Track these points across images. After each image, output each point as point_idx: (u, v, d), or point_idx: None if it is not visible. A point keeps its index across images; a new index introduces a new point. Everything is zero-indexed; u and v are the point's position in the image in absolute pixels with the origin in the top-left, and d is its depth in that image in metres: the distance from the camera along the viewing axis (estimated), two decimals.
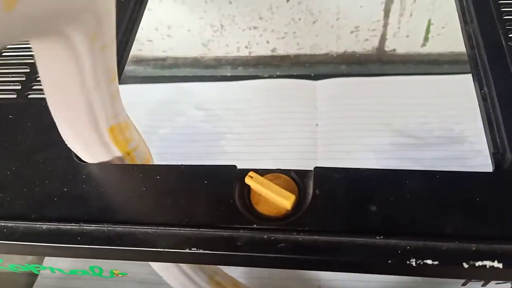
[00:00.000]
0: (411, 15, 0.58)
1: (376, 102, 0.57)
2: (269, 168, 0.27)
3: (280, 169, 0.27)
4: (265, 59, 0.64)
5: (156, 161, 0.55)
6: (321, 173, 0.26)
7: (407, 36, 0.60)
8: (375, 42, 0.61)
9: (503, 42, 0.29)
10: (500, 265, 0.21)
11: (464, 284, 0.24)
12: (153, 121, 0.58)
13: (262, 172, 0.27)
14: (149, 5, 0.61)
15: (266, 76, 0.62)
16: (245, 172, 0.26)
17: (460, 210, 0.23)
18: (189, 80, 0.62)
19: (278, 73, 0.62)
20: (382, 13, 0.58)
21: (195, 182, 0.26)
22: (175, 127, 0.58)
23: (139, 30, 0.64)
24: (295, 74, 0.62)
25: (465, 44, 0.31)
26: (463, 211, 0.23)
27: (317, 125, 0.56)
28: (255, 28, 0.61)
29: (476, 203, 0.23)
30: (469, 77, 0.30)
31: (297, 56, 0.64)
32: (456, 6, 0.33)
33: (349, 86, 0.59)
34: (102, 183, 0.27)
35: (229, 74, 0.63)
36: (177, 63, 0.66)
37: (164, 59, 0.66)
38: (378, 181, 0.24)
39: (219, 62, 0.64)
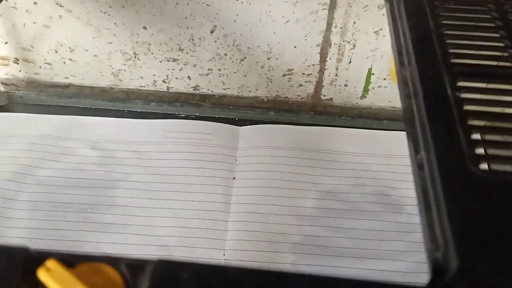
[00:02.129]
0: (350, 62, 0.51)
1: (305, 155, 0.48)
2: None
3: (107, 256, 0.17)
4: (185, 97, 0.55)
5: (20, 212, 0.43)
6: (163, 269, 0.16)
7: (346, 85, 0.53)
8: (310, 89, 0.54)
9: (449, 91, 0.21)
10: None
11: None
12: (32, 159, 0.47)
13: (72, 260, 0.16)
14: (47, 22, 0.52)
15: (182, 115, 0.53)
16: (44, 257, 0.16)
17: None
18: (89, 114, 0.52)
19: (197, 114, 0.53)
20: (318, 57, 0.51)
21: None
22: (59, 168, 0.46)
23: (32, 50, 0.53)
24: (216, 116, 0.53)
25: (399, 91, 0.23)
26: None
27: (234, 178, 0.47)
28: (174, 60, 0.52)
29: None
30: None
31: (221, 97, 0.55)
32: (392, 42, 0.26)
33: (277, 135, 0.50)
34: None
35: (139, 110, 0.53)
36: (81, 92, 0.55)
37: (66, 86, 0.56)
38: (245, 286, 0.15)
39: (128, 96, 0.55)
